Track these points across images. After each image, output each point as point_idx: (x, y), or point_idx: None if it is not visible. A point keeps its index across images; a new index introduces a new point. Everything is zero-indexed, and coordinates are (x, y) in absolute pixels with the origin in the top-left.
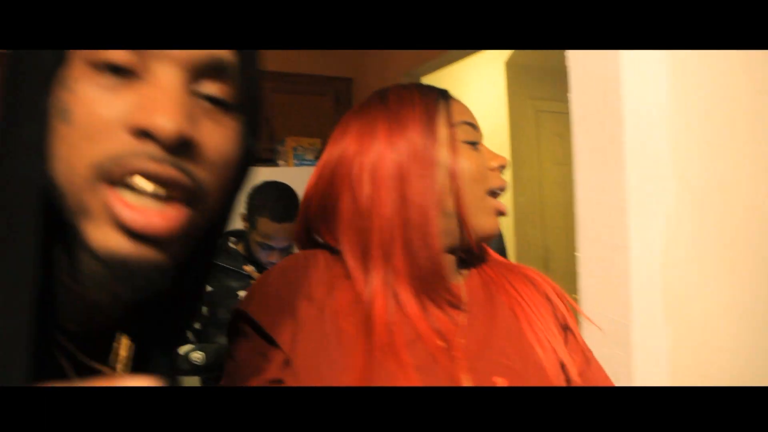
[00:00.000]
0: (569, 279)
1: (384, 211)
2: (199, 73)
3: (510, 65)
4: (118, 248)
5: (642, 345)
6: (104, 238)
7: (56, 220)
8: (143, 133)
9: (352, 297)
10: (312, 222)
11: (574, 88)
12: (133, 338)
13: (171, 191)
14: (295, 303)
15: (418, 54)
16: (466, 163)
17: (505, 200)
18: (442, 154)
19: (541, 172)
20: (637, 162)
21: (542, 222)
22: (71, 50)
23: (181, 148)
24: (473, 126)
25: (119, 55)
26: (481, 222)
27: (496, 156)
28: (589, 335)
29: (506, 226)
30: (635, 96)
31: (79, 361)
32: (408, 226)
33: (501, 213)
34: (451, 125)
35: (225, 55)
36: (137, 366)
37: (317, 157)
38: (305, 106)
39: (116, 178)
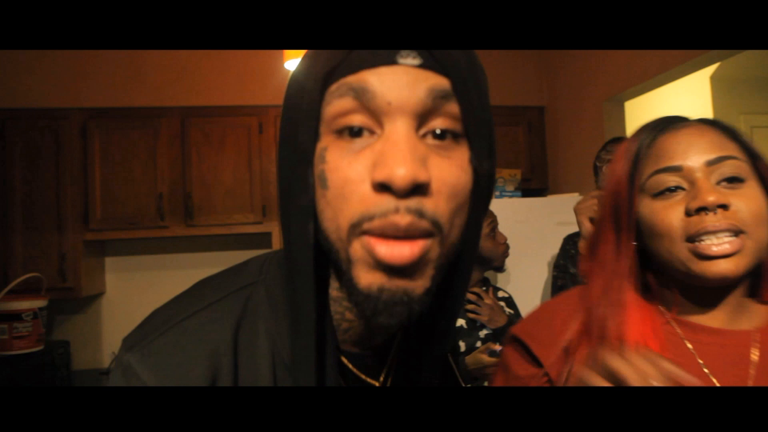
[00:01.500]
0: None
1: None
2: (426, 114)
3: (716, 79)
4: (377, 283)
5: None
6: (366, 277)
7: (334, 267)
8: (383, 187)
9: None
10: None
11: None
12: (403, 356)
13: (412, 231)
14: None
15: (620, 79)
16: None
17: None
18: None
19: None
20: None
21: None
22: (322, 126)
23: (415, 190)
24: None
25: (356, 119)
26: None
27: None
28: None
29: None
30: None
31: (353, 375)
32: None
33: None
34: None
35: (446, 86)
36: (410, 375)
37: (517, 188)
38: (498, 138)
39: (370, 229)
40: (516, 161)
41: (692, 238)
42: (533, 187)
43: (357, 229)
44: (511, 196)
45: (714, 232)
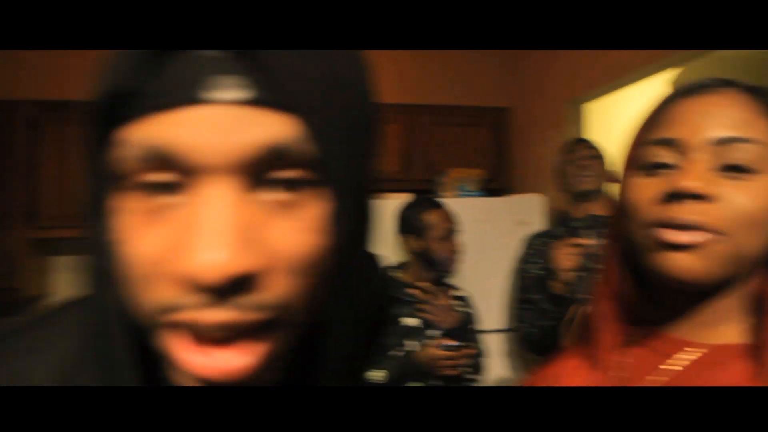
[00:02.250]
0: None
1: None
2: (260, 169)
3: (677, 84)
4: (205, 381)
5: None
6: (182, 379)
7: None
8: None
9: None
10: None
11: None
12: None
13: (236, 331)
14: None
15: (582, 81)
16: None
17: None
18: None
19: None
20: None
21: None
22: (116, 177)
23: (237, 285)
24: None
25: (156, 177)
26: None
27: None
28: None
29: None
30: None
31: None
32: None
33: None
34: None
35: (289, 135)
36: None
37: (480, 188)
38: (462, 138)
39: (178, 324)
40: (479, 162)
41: (655, 226)
42: (495, 187)
43: (161, 320)
44: (473, 195)
45: (679, 226)
